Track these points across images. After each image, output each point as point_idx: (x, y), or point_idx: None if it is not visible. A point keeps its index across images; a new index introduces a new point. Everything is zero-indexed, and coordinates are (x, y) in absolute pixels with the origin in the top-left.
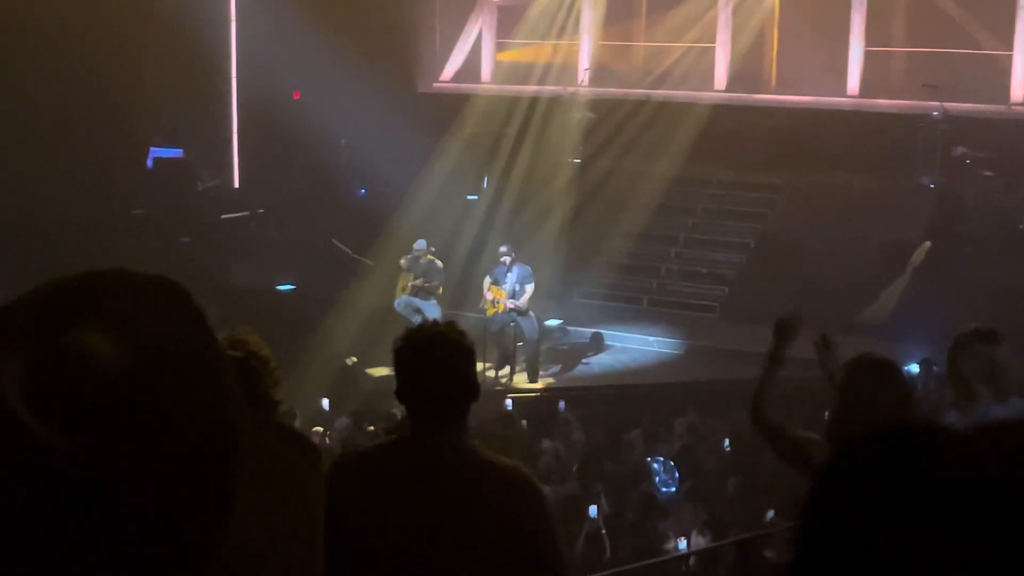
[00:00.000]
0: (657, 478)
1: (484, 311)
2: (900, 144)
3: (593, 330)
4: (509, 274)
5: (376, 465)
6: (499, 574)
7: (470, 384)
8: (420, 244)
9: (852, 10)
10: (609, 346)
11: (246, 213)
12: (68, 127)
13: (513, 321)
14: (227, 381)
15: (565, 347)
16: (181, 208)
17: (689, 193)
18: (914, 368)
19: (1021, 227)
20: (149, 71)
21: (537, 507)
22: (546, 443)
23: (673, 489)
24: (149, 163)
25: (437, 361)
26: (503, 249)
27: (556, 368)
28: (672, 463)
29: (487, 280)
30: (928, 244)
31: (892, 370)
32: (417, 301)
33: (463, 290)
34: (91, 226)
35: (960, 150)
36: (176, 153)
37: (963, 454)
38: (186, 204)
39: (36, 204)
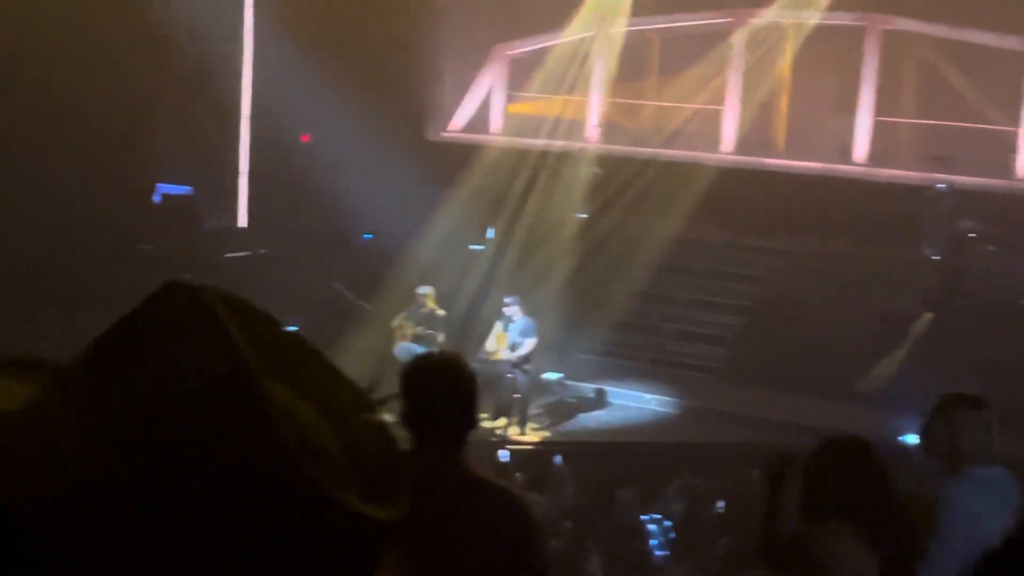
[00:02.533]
0: (652, 540)
1: (486, 359)
2: (905, 215)
3: (596, 386)
4: (512, 325)
5: None
6: None
7: (471, 412)
8: (423, 289)
9: (862, 80)
10: (608, 403)
11: (250, 253)
12: (77, 161)
13: (511, 372)
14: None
15: (566, 401)
16: (186, 245)
17: (692, 254)
18: (912, 439)
19: (1023, 302)
20: (160, 108)
21: (527, 525)
22: (535, 495)
23: (667, 551)
24: (156, 199)
25: (442, 388)
26: (508, 300)
27: (553, 421)
28: (668, 523)
29: (498, 325)
30: (929, 316)
31: (864, 448)
32: (418, 348)
33: (463, 340)
34: (96, 260)
35: (965, 223)
36: (184, 190)
37: None
38: (191, 241)
39: (42, 237)
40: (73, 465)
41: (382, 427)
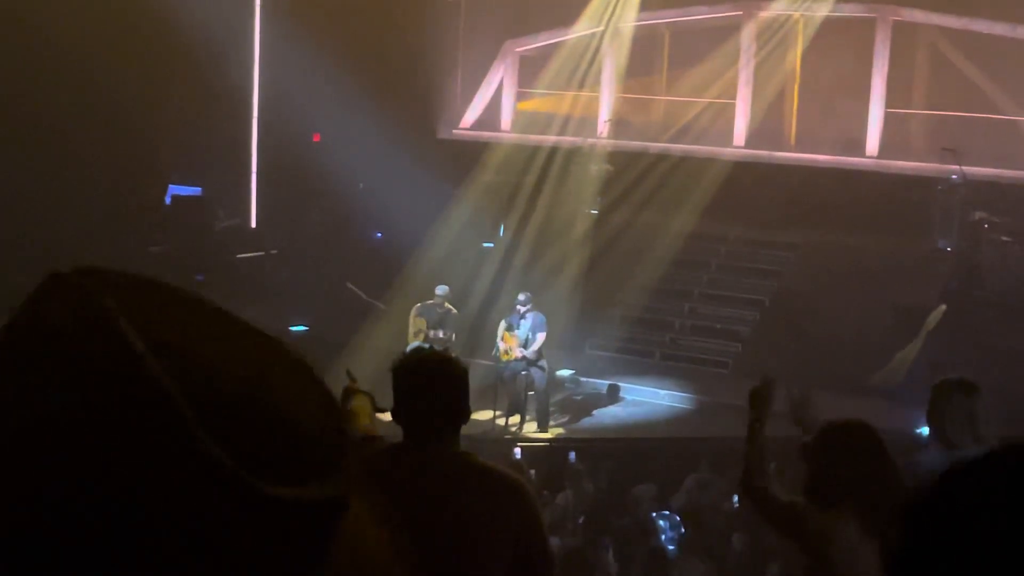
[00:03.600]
0: (663, 535)
1: (498, 358)
2: (918, 207)
3: (609, 382)
4: (523, 321)
5: (379, 467)
6: (492, 570)
7: (460, 407)
8: (441, 290)
9: (873, 71)
10: (622, 399)
11: (261, 253)
12: (88, 163)
13: (525, 370)
14: None
15: (578, 397)
16: (197, 246)
17: (705, 248)
18: (926, 431)
19: None
20: (171, 109)
21: (528, 510)
22: (548, 493)
23: (678, 546)
24: (167, 200)
25: (429, 383)
26: (521, 297)
27: (567, 418)
28: (679, 518)
29: (502, 325)
30: (943, 308)
31: (866, 432)
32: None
33: (476, 337)
34: (108, 262)
35: (978, 214)
36: (195, 191)
37: None
38: (202, 242)
39: (54, 238)
40: None
41: (320, 390)
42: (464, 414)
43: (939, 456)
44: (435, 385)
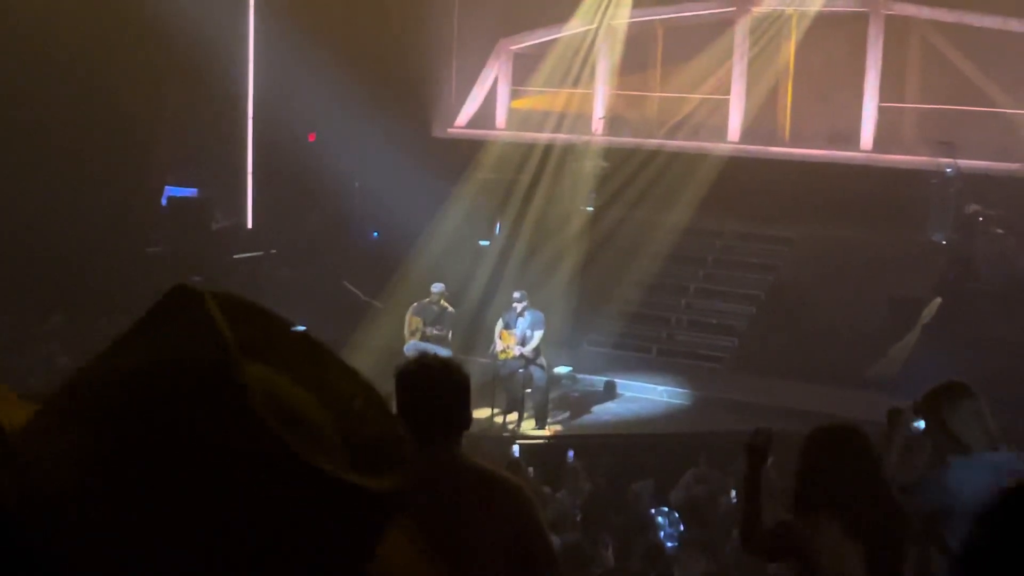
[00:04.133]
0: (663, 531)
1: (495, 356)
2: (912, 200)
3: (606, 378)
4: (520, 319)
5: None
6: (495, 573)
7: (461, 413)
8: (437, 287)
9: (867, 66)
10: (618, 395)
11: (259, 253)
12: (84, 165)
13: (523, 367)
14: None
15: (575, 395)
16: (194, 247)
17: (700, 244)
18: (922, 425)
19: None
20: (166, 111)
21: (530, 513)
22: (550, 490)
23: (677, 541)
24: (164, 202)
25: (431, 389)
26: (517, 295)
27: (564, 415)
28: (677, 514)
29: (499, 324)
30: (939, 300)
31: (853, 437)
32: (428, 346)
33: (473, 335)
34: (105, 264)
35: (972, 207)
36: (191, 192)
37: None
38: (199, 243)
39: (51, 242)
40: (66, 466)
41: (383, 409)
42: (466, 420)
43: (966, 466)
44: (437, 392)
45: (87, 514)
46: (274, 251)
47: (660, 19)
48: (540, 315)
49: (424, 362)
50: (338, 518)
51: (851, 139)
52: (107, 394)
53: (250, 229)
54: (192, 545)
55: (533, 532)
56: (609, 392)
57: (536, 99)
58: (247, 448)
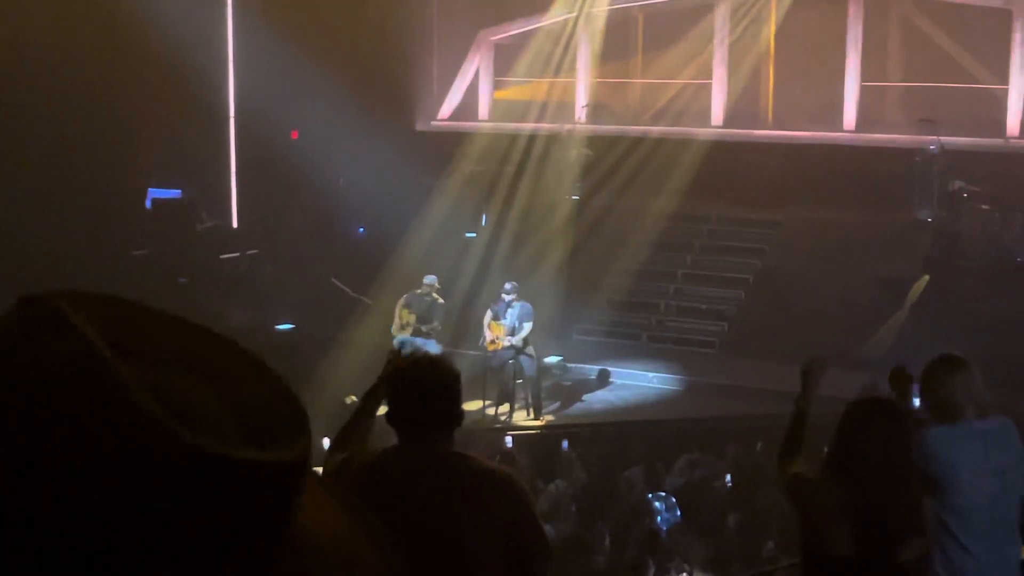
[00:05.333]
0: (659, 517)
1: (484, 348)
2: (897, 179)
3: (599, 367)
4: (510, 310)
5: (368, 471)
6: (491, 563)
7: (452, 411)
8: (430, 279)
9: (847, 45)
10: (610, 383)
11: (245, 253)
12: (67, 168)
13: (512, 358)
14: None
15: (567, 384)
16: (179, 249)
17: (687, 229)
18: (915, 403)
19: (1019, 260)
20: (147, 112)
21: (519, 501)
22: (542, 482)
23: (673, 525)
24: (148, 204)
25: (421, 387)
26: (507, 286)
27: (556, 405)
28: (673, 499)
29: (488, 315)
30: (926, 278)
31: (887, 409)
32: (417, 341)
33: (462, 327)
34: (90, 266)
35: (957, 184)
36: (174, 194)
37: None
38: (184, 245)
39: (34, 244)
40: None
41: (275, 382)
42: (457, 417)
43: (948, 431)
44: (427, 389)
45: None
46: (259, 251)
47: (640, 5)
48: (529, 307)
49: (413, 361)
50: (243, 496)
51: (834, 119)
52: None
53: (235, 229)
54: (101, 550)
55: (526, 524)
56: (603, 380)
57: (518, 89)
58: (140, 446)
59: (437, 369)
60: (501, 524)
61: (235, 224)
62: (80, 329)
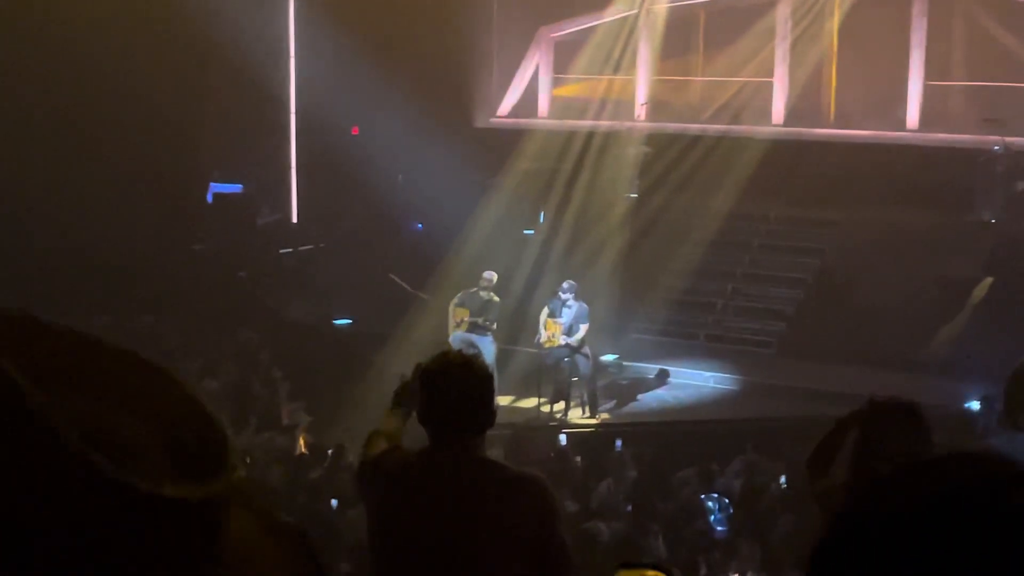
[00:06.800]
0: (712, 516)
1: (540, 345)
2: (960, 179)
3: (657, 366)
4: (566, 309)
5: (401, 471)
6: (513, 569)
7: (483, 411)
8: (489, 274)
9: (911, 44)
10: (667, 382)
11: (304, 248)
12: (130, 163)
13: (568, 356)
14: None
15: (623, 382)
16: (240, 243)
17: (746, 228)
18: (975, 405)
19: None
20: (209, 107)
21: (546, 505)
22: (594, 480)
23: (727, 527)
24: (209, 198)
25: (452, 387)
26: (565, 285)
27: (611, 404)
28: (727, 500)
29: (544, 312)
30: (989, 280)
31: (911, 412)
32: (472, 337)
33: (518, 324)
34: (152, 261)
35: (1021, 185)
36: (235, 188)
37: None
38: (245, 239)
39: (98, 239)
40: None
41: (204, 415)
42: (489, 418)
43: (1008, 441)
44: (458, 390)
45: None
46: (319, 245)
47: (701, 2)
48: (586, 308)
49: (445, 361)
50: (173, 530)
51: (897, 119)
52: None
53: (295, 224)
54: None
55: (549, 533)
56: (661, 379)
57: (578, 86)
58: (53, 474)
59: (469, 370)
60: (523, 533)
61: (295, 219)
62: (37, 414)
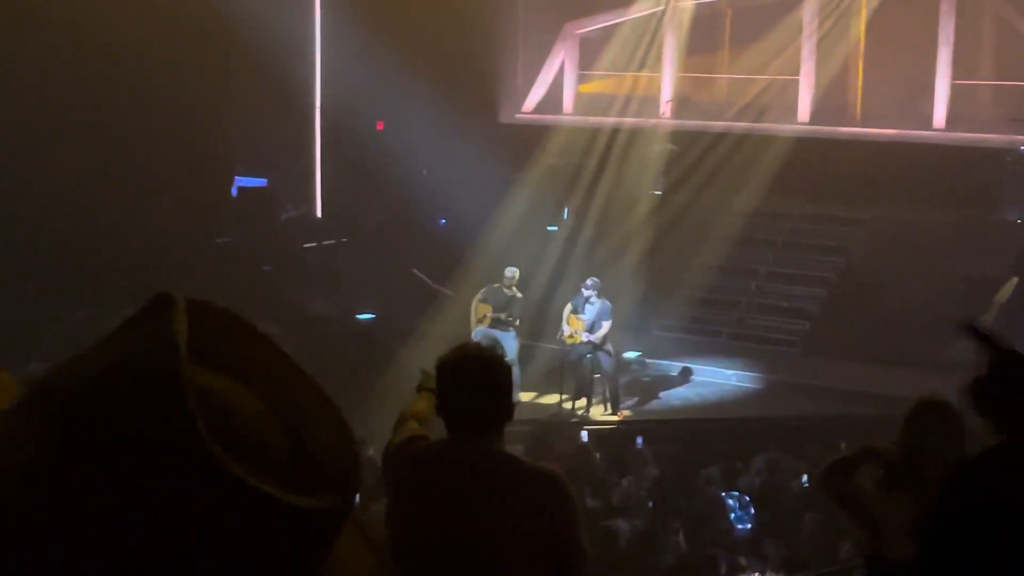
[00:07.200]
0: (732, 514)
1: (563, 341)
2: (986, 178)
3: (679, 363)
4: (589, 306)
5: (421, 460)
6: (528, 564)
7: (501, 404)
8: (511, 271)
9: (939, 42)
10: (690, 380)
11: (328, 242)
12: (155, 158)
13: (590, 353)
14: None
15: (646, 379)
16: (264, 237)
17: (770, 226)
18: None
19: None
20: (234, 101)
21: (564, 501)
22: (615, 477)
23: (749, 525)
24: (233, 192)
25: (470, 380)
26: (588, 283)
27: (634, 400)
28: (748, 498)
29: (568, 308)
30: (1015, 280)
31: (947, 412)
32: (495, 332)
33: (541, 320)
34: (176, 254)
35: None
36: (260, 182)
37: None
38: (269, 233)
39: (121, 234)
40: (11, 469)
41: (338, 424)
42: (507, 411)
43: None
44: (476, 383)
45: (26, 517)
46: (343, 240)
47: None
48: (609, 305)
49: (463, 354)
50: (286, 535)
51: (924, 117)
52: (60, 396)
53: (319, 218)
54: (122, 548)
55: (567, 521)
56: (685, 377)
57: (603, 83)
58: (179, 453)
59: (484, 363)
60: (539, 527)
61: (319, 213)
62: (173, 329)
